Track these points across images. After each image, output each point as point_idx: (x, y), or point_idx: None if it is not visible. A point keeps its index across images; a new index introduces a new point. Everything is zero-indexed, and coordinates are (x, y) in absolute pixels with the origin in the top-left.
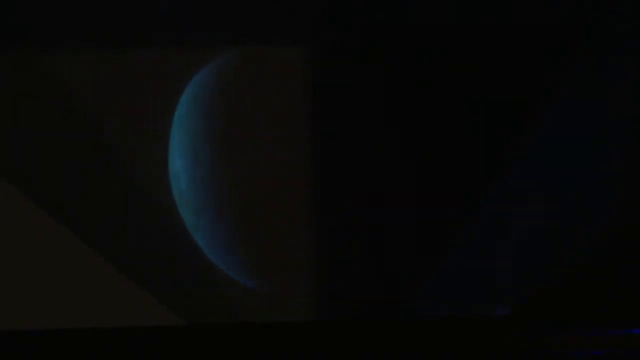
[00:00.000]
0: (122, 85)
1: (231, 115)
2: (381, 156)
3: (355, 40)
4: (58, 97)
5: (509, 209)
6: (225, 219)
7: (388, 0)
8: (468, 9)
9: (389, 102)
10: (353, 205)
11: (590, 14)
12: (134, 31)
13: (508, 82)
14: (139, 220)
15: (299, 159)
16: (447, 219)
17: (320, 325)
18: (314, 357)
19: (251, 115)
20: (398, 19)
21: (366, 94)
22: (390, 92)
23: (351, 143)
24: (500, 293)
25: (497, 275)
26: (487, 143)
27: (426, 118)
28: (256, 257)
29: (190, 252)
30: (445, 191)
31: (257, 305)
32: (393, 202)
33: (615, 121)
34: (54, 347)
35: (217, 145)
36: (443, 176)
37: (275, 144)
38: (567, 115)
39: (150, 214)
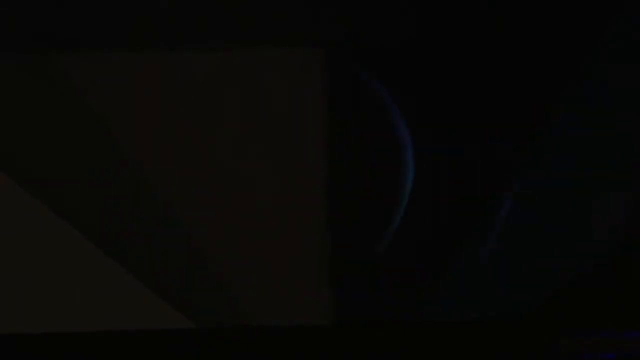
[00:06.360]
0: (129, 86)
1: (240, 117)
2: (391, 160)
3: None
4: (65, 98)
5: (519, 211)
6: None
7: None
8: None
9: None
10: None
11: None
12: (137, 32)
13: (516, 83)
14: (146, 220)
15: (313, 163)
16: (457, 222)
17: (324, 328)
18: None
19: (260, 117)
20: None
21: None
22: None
23: (365, 147)
24: (510, 296)
25: (507, 278)
26: (495, 146)
27: (437, 121)
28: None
29: (198, 254)
30: (456, 196)
31: (264, 308)
32: (406, 204)
33: (622, 123)
34: (57, 351)
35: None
36: (451, 180)
37: (287, 149)
38: (573, 118)
39: (157, 215)
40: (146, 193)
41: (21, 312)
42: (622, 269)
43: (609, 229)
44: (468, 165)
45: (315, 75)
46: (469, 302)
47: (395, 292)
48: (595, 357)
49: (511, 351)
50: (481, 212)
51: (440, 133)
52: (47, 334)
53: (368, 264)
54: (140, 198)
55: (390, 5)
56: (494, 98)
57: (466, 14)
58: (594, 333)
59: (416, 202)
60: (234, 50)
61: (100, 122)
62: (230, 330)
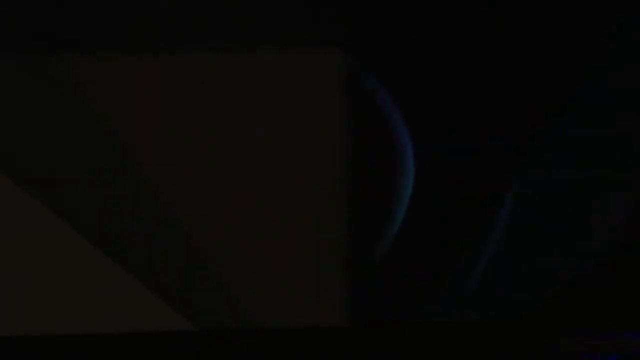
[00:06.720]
0: (129, 86)
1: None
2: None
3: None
4: (65, 98)
5: (519, 212)
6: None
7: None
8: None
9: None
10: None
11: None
12: (137, 32)
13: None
14: (149, 221)
15: (331, 165)
16: (458, 223)
17: (327, 331)
18: None
19: (274, 119)
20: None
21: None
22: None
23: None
24: (511, 297)
25: (508, 279)
26: (495, 146)
27: (437, 121)
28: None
29: (201, 255)
30: (456, 196)
31: (269, 309)
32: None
33: (622, 123)
34: (57, 353)
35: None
36: (451, 181)
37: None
38: (573, 118)
39: (157, 215)
40: (146, 193)
41: (21, 312)
42: (623, 270)
43: (609, 229)
44: (468, 165)
45: (322, 76)
46: (470, 303)
47: (396, 293)
48: (595, 358)
49: (512, 351)
50: (481, 212)
51: (440, 133)
52: (47, 336)
53: (369, 265)
54: (140, 198)
55: (390, 5)
56: (494, 98)
57: (466, 14)
58: (594, 333)
59: (416, 203)
60: (235, 50)
61: (100, 122)
62: (231, 332)
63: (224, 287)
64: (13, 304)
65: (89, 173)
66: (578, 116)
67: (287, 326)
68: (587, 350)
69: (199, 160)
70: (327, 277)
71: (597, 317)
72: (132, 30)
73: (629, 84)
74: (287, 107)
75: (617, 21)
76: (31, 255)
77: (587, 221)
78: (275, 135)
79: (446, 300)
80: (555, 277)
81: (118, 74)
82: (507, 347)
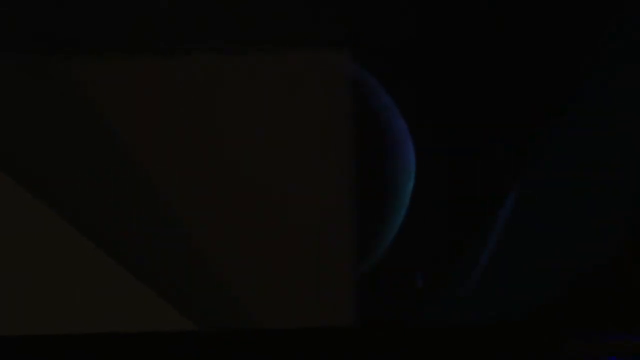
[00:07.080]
0: (129, 86)
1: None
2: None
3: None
4: (65, 98)
5: (520, 212)
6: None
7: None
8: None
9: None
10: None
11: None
12: (137, 32)
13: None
14: (149, 221)
15: (333, 164)
16: (458, 223)
17: (330, 331)
18: None
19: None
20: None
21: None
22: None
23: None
24: (514, 298)
25: (510, 280)
26: (495, 146)
27: (437, 121)
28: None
29: (201, 255)
30: (456, 196)
31: (270, 310)
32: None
33: (622, 123)
34: (57, 352)
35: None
36: (451, 181)
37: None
38: (574, 118)
39: (159, 216)
40: (146, 193)
41: (21, 312)
42: (627, 271)
43: (610, 229)
44: (468, 165)
45: (322, 77)
46: (470, 303)
47: (396, 293)
48: (595, 359)
49: (512, 352)
50: (482, 212)
51: (440, 133)
52: (47, 335)
53: (369, 265)
54: (140, 198)
55: (390, 5)
56: (494, 98)
57: (466, 14)
58: (598, 335)
59: (416, 203)
60: (235, 50)
61: (100, 122)
62: (233, 332)
63: (225, 288)
64: (13, 304)
65: (89, 173)
66: (578, 116)
67: (289, 327)
68: (587, 350)
69: (199, 160)
70: (329, 277)
71: (598, 318)
72: (132, 30)
73: (629, 84)
74: (287, 107)
75: (617, 21)
76: (31, 255)
77: (587, 221)
78: (275, 135)
79: (446, 300)
80: (556, 277)
81: (118, 74)
82: (507, 348)
